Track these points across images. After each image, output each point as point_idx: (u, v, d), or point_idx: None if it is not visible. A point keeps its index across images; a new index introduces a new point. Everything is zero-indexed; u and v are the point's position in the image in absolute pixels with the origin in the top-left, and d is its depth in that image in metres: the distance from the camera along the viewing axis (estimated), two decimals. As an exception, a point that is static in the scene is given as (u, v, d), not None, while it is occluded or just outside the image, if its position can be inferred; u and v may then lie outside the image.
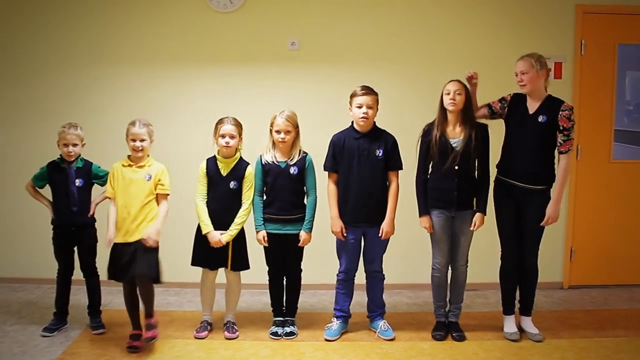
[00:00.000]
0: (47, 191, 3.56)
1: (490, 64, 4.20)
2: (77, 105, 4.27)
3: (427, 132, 3.37)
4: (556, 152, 3.32)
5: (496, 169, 3.47)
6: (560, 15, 4.23)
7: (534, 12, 4.23)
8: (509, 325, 3.48)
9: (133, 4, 4.23)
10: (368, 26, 4.24)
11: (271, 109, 3.50)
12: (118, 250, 3.29)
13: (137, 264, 3.24)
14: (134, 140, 3.33)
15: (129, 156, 3.39)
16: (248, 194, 3.42)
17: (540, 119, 3.25)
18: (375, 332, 3.52)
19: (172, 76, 4.27)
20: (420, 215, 3.41)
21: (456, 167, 3.29)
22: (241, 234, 3.46)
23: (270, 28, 4.23)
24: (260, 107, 4.05)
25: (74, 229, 3.49)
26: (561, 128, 3.25)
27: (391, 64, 4.25)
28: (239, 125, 3.44)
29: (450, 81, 3.31)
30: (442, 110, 3.33)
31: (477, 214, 3.37)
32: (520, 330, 3.49)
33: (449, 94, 3.27)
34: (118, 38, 4.26)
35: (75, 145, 3.43)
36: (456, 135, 3.30)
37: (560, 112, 3.24)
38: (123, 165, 3.37)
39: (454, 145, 3.29)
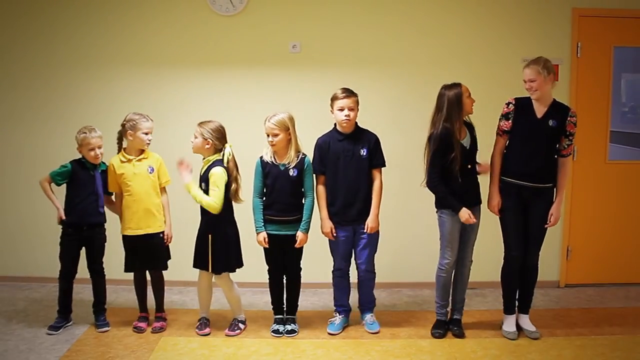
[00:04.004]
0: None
1: (488, 66, 4.27)
2: (80, 107, 4.32)
3: (441, 139, 3.29)
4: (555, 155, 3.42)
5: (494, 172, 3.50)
6: (557, 18, 4.28)
7: (532, 15, 4.28)
8: (509, 324, 3.52)
9: (136, 7, 4.28)
10: (368, 29, 4.29)
11: (272, 110, 3.54)
12: (131, 242, 3.51)
13: (154, 260, 3.56)
14: (147, 134, 3.47)
15: (124, 149, 3.52)
16: (212, 194, 3.35)
17: (551, 123, 3.34)
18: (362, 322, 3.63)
19: (174, 78, 4.32)
20: (457, 212, 3.33)
21: (469, 166, 3.37)
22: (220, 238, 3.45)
23: (271, 31, 4.28)
24: (261, 109, 4.08)
25: (85, 227, 3.51)
26: (568, 133, 3.38)
27: (391, 66, 4.30)
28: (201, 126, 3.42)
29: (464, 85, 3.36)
30: (459, 113, 3.30)
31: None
32: (518, 327, 3.55)
33: (469, 95, 3.35)
34: (120, 40, 4.31)
35: (100, 147, 3.48)
36: (463, 136, 3.37)
37: (569, 118, 3.36)
38: (121, 161, 3.48)
39: (465, 145, 3.37)
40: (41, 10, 4.30)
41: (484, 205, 3.52)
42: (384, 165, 3.53)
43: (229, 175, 3.41)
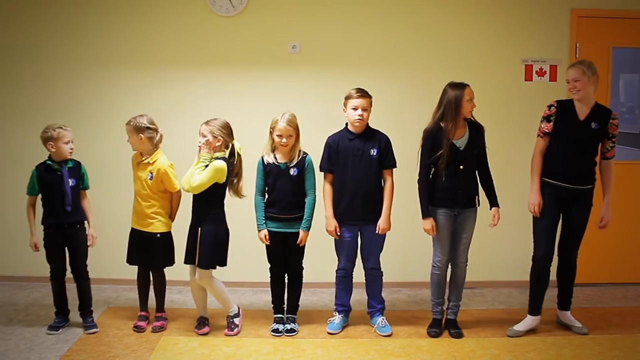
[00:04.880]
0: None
1: (487, 66, 4.28)
2: (80, 107, 4.33)
3: (431, 135, 3.37)
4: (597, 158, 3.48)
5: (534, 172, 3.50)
6: (556, 19, 4.30)
7: (531, 16, 4.30)
8: (525, 324, 3.53)
9: (136, 7, 4.29)
10: (368, 30, 4.30)
11: (272, 111, 3.56)
12: (133, 235, 3.57)
13: (153, 259, 3.56)
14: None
15: (140, 153, 3.55)
16: (199, 175, 3.36)
17: (593, 125, 3.37)
18: (373, 327, 3.60)
19: (174, 78, 4.33)
20: (423, 218, 3.42)
21: (461, 167, 3.38)
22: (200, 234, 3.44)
23: (271, 32, 4.29)
24: (261, 109, 4.12)
25: (66, 226, 3.50)
26: (610, 135, 3.42)
27: (390, 66, 4.31)
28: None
29: (469, 87, 3.35)
30: (455, 114, 3.31)
31: (495, 209, 3.49)
32: (563, 325, 3.62)
33: (470, 100, 3.33)
34: (120, 41, 4.31)
35: (72, 142, 3.49)
36: (459, 136, 3.38)
37: (611, 121, 3.40)
38: (139, 159, 3.55)
39: (458, 146, 3.37)
40: (41, 10, 4.31)
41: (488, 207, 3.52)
42: (395, 166, 3.54)
43: (231, 171, 3.43)
